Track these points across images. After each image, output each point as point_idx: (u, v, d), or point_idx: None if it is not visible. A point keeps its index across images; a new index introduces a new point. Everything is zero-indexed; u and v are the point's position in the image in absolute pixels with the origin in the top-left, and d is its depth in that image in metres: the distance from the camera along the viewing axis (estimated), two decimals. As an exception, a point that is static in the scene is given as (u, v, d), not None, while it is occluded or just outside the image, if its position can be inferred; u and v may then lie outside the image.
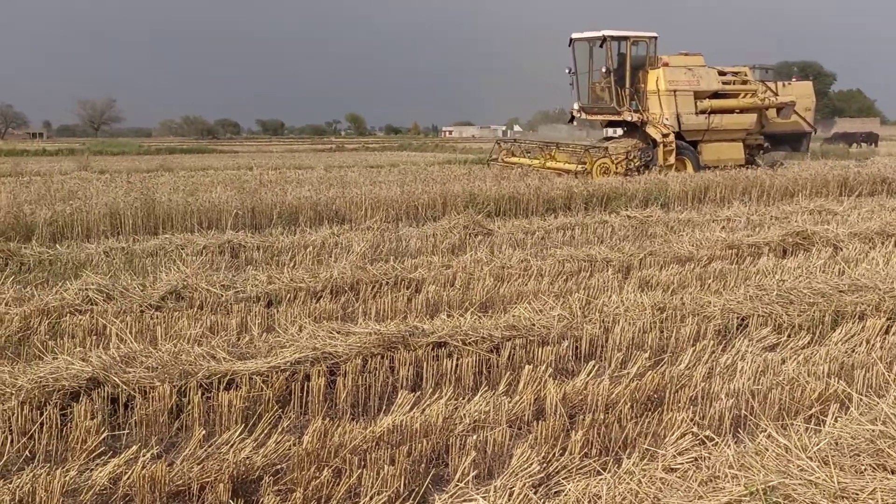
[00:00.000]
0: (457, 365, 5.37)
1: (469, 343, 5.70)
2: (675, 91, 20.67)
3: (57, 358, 5.09)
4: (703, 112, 21.03)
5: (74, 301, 6.91)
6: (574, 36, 21.60)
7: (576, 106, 22.53)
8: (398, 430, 4.35)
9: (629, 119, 21.07)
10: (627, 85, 20.88)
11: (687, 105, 20.83)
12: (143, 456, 3.91)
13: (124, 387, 4.78)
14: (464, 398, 4.90)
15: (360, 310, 6.92)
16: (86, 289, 7.14)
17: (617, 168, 19.37)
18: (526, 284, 7.87)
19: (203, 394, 4.81)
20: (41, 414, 4.39)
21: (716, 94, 21.50)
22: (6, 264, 8.78)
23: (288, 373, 5.10)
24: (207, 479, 3.73)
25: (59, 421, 4.39)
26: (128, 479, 3.76)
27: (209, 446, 4.12)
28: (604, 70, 20.90)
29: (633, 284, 7.97)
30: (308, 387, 4.95)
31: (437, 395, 4.85)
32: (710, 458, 3.83)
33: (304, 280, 7.74)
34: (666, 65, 20.85)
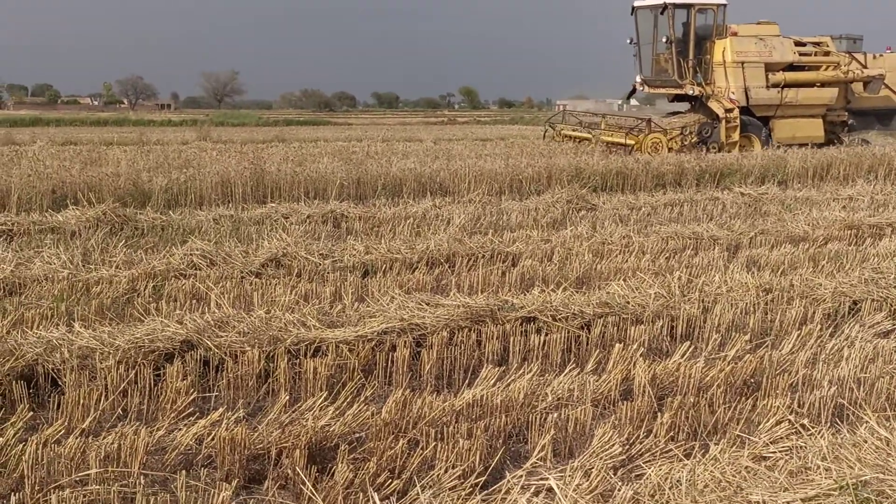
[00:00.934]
0: (545, 341, 5.26)
1: (559, 319, 5.57)
2: (742, 63, 19.18)
3: (155, 320, 5.27)
4: (775, 86, 19.46)
5: (179, 266, 7.14)
6: (636, 4, 20.34)
7: (638, 79, 21.21)
8: (478, 404, 4.29)
9: (691, 92, 19.73)
10: (691, 56, 19.49)
11: (756, 78, 19.30)
12: (228, 419, 3.99)
13: (216, 350, 4.90)
14: (550, 374, 4.81)
15: (454, 282, 6.88)
16: (191, 254, 7.37)
17: (671, 144, 18.07)
18: (626, 261, 7.66)
19: (290, 360, 4.87)
20: (136, 374, 4.55)
21: (791, 67, 19.87)
22: (122, 228, 9.16)
23: (374, 342, 5.11)
24: (286, 445, 3.77)
25: (152, 381, 4.54)
26: (211, 439, 3.85)
27: (292, 412, 4.17)
28: (665, 40, 19.58)
29: (739, 264, 7.64)
30: (393, 357, 4.95)
31: (522, 371, 4.77)
32: (804, 449, 3.62)
33: (401, 251, 7.77)
34: (734, 34, 19.34)
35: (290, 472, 3.63)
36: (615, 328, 5.57)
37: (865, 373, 4.73)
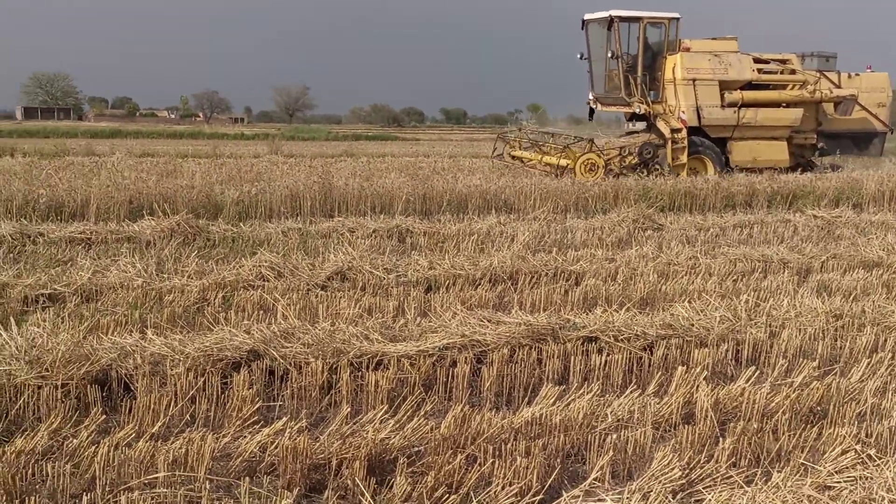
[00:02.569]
0: (606, 361, 5.24)
1: (621, 339, 5.55)
2: (694, 80, 17.78)
3: (223, 329, 5.41)
4: (731, 105, 17.96)
5: (248, 277, 7.32)
6: (586, 17, 18.85)
7: (591, 96, 19.72)
8: (537, 422, 4.30)
9: (637, 111, 18.22)
10: (640, 72, 18.07)
11: (710, 97, 17.88)
12: (291, 428, 4.08)
13: (281, 360, 5.02)
14: (610, 395, 4.79)
15: (516, 300, 6.89)
16: (259, 266, 7.54)
17: (609, 166, 16.89)
18: (691, 283, 7.57)
19: (353, 372, 4.96)
20: (204, 381, 4.68)
21: (750, 85, 18.32)
22: (194, 239, 9.43)
23: (435, 357, 5.17)
24: (346, 456, 3.84)
25: (219, 389, 4.67)
26: (274, 448, 3.94)
27: (353, 423, 4.24)
28: (611, 55, 18.18)
29: (809, 289, 7.49)
30: (454, 373, 4.99)
31: (582, 391, 4.76)
32: (870, 480, 3.54)
33: (464, 267, 7.81)
34: (687, 50, 17.91)
35: (349, 482, 3.69)
36: (678, 350, 5.52)
37: (938, 404, 4.60)
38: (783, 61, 19.07)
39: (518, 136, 20.50)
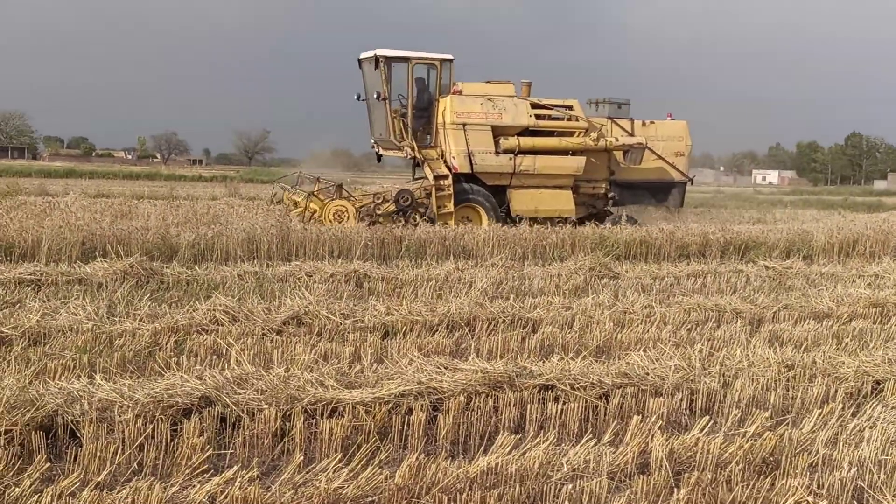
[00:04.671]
0: (562, 410, 5.24)
1: (577, 388, 5.55)
2: (464, 125, 16.66)
3: (175, 374, 5.31)
4: (507, 152, 16.81)
5: (202, 321, 7.21)
6: (361, 56, 17.69)
7: (371, 140, 18.70)
8: (493, 471, 4.27)
9: (405, 156, 17.47)
10: (409, 115, 16.95)
11: (482, 142, 16.73)
12: (242, 477, 3.99)
13: (233, 407, 4.93)
14: (566, 444, 4.78)
15: (473, 347, 6.89)
16: (214, 310, 7.44)
17: (363, 213, 15.84)
18: (647, 332, 7.63)
19: (307, 419, 4.88)
20: (153, 428, 4.57)
21: (528, 131, 17.33)
22: (147, 282, 9.29)
23: (391, 405, 5.12)
24: (298, 506, 3.77)
25: (169, 436, 4.56)
26: (224, 497, 3.85)
27: (306, 472, 4.17)
28: (376, 96, 17.09)
29: (761, 339, 7.59)
30: (409, 420, 4.94)
31: (538, 440, 4.74)
32: (822, 532, 3.56)
33: (422, 313, 7.79)
34: (459, 93, 16.86)
35: (301, 534, 3.62)
36: (634, 399, 5.54)
37: (887, 455, 4.66)
38: (567, 107, 18.10)
39: (299, 182, 19.27)
